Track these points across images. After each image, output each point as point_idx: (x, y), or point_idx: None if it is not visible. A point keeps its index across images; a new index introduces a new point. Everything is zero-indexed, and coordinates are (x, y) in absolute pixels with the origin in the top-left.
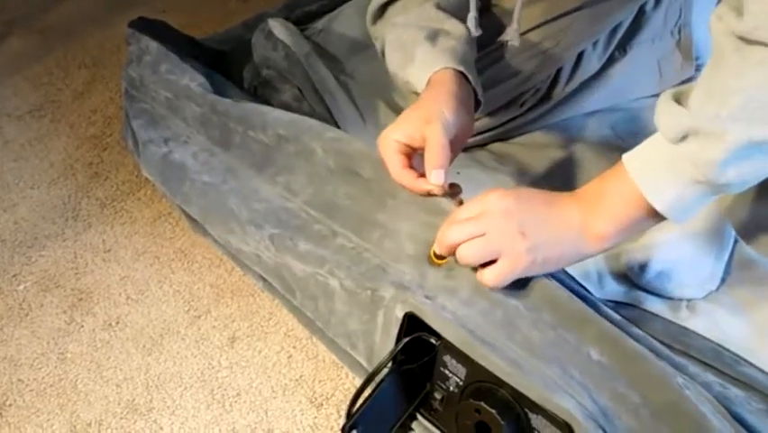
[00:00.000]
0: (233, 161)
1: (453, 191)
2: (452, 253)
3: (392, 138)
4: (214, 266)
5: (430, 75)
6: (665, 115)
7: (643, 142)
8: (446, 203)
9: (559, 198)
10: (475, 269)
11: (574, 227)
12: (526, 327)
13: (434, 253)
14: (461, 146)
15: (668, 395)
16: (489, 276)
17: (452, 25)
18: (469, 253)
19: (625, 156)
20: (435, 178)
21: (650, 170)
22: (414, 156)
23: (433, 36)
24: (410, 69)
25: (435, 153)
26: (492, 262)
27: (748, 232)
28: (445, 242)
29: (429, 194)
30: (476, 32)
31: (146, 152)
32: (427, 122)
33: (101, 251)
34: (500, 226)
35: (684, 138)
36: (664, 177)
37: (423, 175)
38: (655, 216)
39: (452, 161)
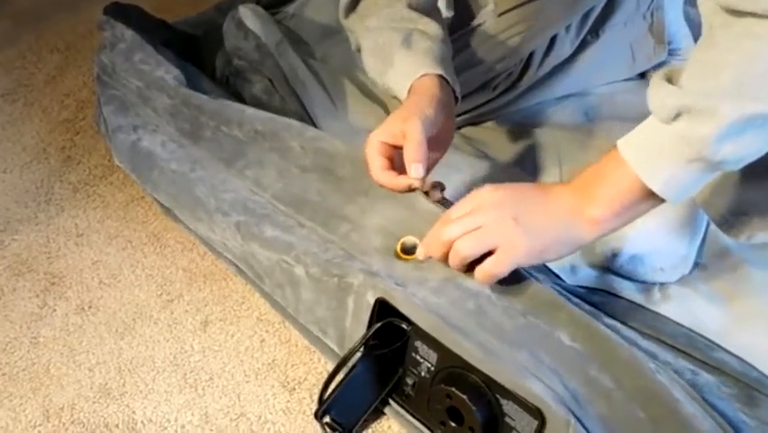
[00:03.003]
0: (201, 154)
1: (435, 187)
2: (447, 252)
3: (376, 139)
4: (187, 250)
5: (411, 82)
6: (657, 94)
7: (618, 124)
8: (417, 198)
9: (552, 187)
10: (471, 269)
11: (570, 214)
12: (497, 314)
13: (402, 248)
14: (445, 146)
15: (641, 379)
16: (487, 267)
17: (426, 24)
18: (465, 246)
19: (619, 141)
20: (415, 171)
21: (644, 152)
22: (396, 157)
23: (407, 39)
24: (390, 76)
25: (413, 148)
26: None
27: (727, 221)
28: (441, 239)
29: (410, 189)
30: (448, 13)
31: (116, 138)
32: (408, 120)
33: (73, 235)
34: (495, 218)
35: (677, 117)
36: (659, 157)
37: (404, 174)
38: (653, 199)
39: (437, 160)
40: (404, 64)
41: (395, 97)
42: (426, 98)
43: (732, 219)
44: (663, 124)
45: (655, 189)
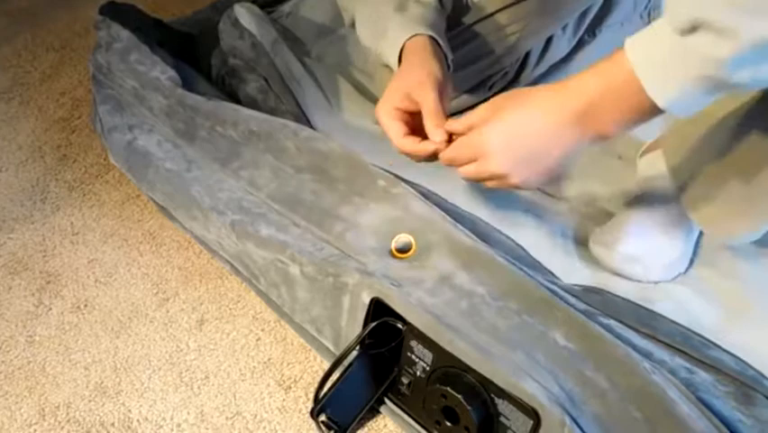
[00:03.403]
0: (196, 154)
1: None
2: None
3: (390, 106)
4: (183, 249)
5: (403, 43)
6: None
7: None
8: (411, 199)
9: (552, 124)
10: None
11: (576, 143)
12: (492, 314)
13: (396, 247)
14: (449, 100)
15: (635, 379)
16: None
17: None
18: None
19: (627, 43)
20: (438, 135)
21: (653, 63)
22: (410, 122)
23: (402, 6)
24: (383, 42)
25: (433, 113)
26: None
27: (693, 202)
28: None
29: (435, 154)
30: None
31: (111, 138)
32: (420, 84)
33: (69, 233)
34: (498, 169)
35: (693, 30)
36: (669, 71)
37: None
38: (656, 112)
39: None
40: (396, 28)
41: (386, 66)
42: (426, 57)
43: (698, 203)
44: (677, 34)
45: (660, 104)
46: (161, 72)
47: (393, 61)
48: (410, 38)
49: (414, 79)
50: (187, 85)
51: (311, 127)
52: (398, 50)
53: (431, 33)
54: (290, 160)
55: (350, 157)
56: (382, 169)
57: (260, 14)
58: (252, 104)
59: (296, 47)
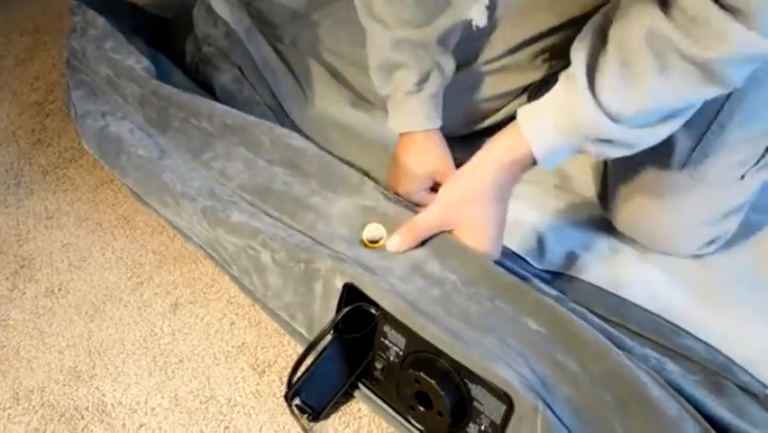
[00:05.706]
0: (168, 144)
1: None
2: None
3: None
4: (157, 233)
5: (411, 130)
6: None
7: None
8: (382, 194)
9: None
10: None
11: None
12: (463, 300)
13: (368, 237)
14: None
15: (607, 363)
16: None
17: (447, 62)
18: None
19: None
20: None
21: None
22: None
23: (424, 79)
24: (395, 104)
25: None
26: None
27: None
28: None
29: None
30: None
31: (84, 124)
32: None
33: (43, 218)
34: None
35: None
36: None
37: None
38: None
39: None
40: (411, 110)
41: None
42: (441, 151)
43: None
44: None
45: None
46: (136, 62)
47: (396, 129)
48: (426, 131)
49: (435, 168)
50: (163, 75)
51: (286, 117)
52: (405, 130)
53: (438, 126)
54: (264, 154)
55: (324, 155)
56: (356, 169)
57: (234, 1)
58: (227, 94)
59: (270, 32)
